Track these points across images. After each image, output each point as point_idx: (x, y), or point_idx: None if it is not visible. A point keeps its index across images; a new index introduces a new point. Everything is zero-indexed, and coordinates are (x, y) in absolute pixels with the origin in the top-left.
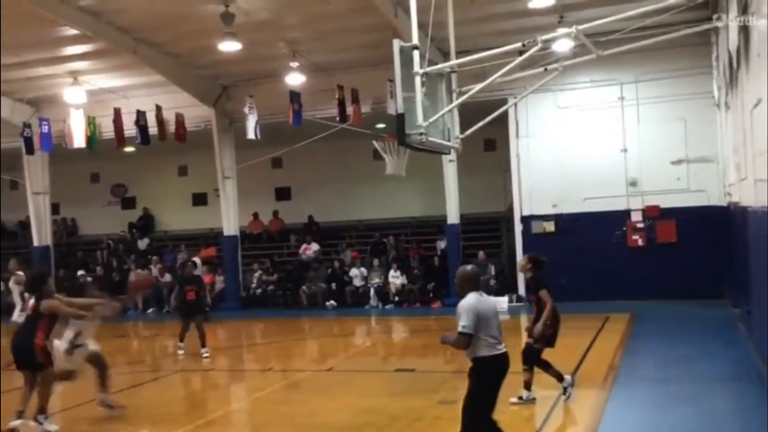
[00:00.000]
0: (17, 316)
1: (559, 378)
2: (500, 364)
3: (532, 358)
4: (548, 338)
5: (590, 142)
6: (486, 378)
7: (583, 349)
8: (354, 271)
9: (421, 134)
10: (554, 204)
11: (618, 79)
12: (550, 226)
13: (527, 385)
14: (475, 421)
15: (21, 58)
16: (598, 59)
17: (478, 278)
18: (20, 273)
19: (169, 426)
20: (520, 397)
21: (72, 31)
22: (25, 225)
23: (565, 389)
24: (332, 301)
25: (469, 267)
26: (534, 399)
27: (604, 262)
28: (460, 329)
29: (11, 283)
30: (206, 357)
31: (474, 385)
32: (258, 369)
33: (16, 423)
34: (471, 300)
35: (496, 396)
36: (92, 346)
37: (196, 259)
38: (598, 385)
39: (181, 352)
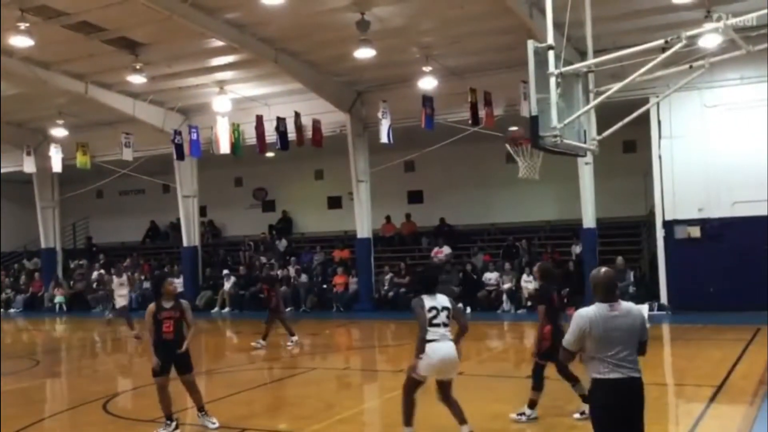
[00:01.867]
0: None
1: (584, 399)
2: (615, 390)
3: (538, 376)
4: (549, 353)
5: (741, 143)
6: (597, 403)
7: (731, 362)
8: (488, 275)
9: (555, 136)
10: (700, 208)
11: None
12: (695, 231)
13: (532, 404)
14: None
15: (173, 69)
16: (748, 55)
17: (608, 286)
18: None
19: (307, 422)
20: (522, 413)
21: (218, 43)
22: (175, 226)
23: (582, 412)
24: (463, 305)
25: (602, 270)
26: (536, 418)
27: (756, 270)
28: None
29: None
30: (291, 346)
31: (589, 410)
32: (390, 370)
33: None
34: (586, 311)
35: (619, 428)
36: None
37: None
38: (747, 401)
39: (257, 345)
